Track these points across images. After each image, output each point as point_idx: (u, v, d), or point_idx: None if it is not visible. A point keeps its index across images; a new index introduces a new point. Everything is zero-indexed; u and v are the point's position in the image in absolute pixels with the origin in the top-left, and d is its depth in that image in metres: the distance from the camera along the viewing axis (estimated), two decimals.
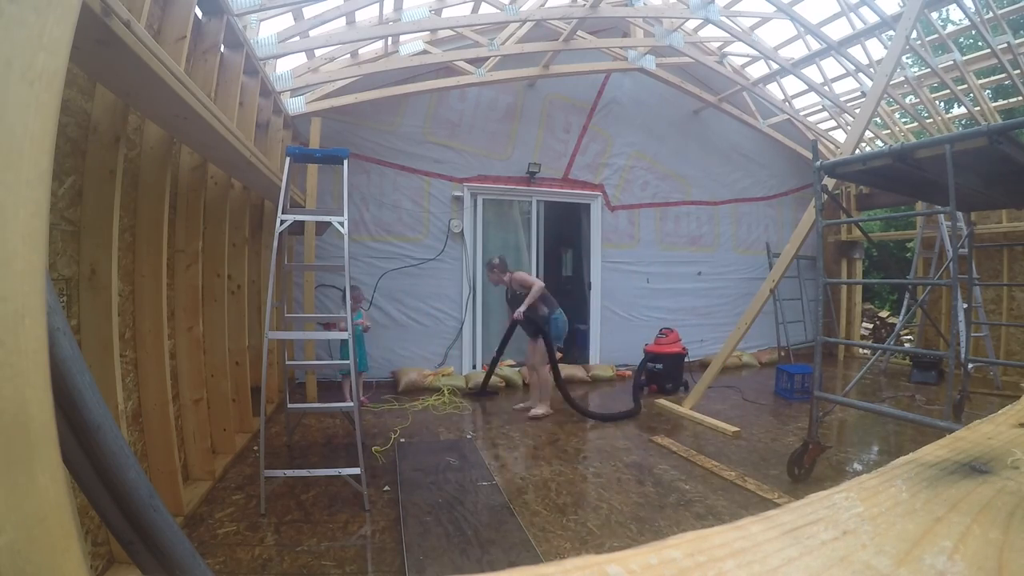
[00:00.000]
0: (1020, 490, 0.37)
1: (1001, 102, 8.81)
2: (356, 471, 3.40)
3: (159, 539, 1.27)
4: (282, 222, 3.57)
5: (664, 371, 6.88)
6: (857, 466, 4.45)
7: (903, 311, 8.89)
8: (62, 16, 0.87)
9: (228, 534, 3.05)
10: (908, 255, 11.13)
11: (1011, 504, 0.35)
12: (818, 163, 4.03)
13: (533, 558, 2.81)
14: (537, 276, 7.64)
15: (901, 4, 6.31)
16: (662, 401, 6.16)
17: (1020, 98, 7.82)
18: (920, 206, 7.49)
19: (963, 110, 8.18)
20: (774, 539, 0.30)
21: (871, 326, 12.14)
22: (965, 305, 6.71)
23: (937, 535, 0.31)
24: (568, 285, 9.91)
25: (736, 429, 5.09)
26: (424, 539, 2.95)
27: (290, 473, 3.62)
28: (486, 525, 3.13)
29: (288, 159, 3.78)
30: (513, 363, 7.48)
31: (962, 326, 6.54)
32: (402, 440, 4.74)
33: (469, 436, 5.01)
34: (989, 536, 0.31)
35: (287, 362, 4.91)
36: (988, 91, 8.48)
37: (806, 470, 3.97)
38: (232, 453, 4.08)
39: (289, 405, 3.76)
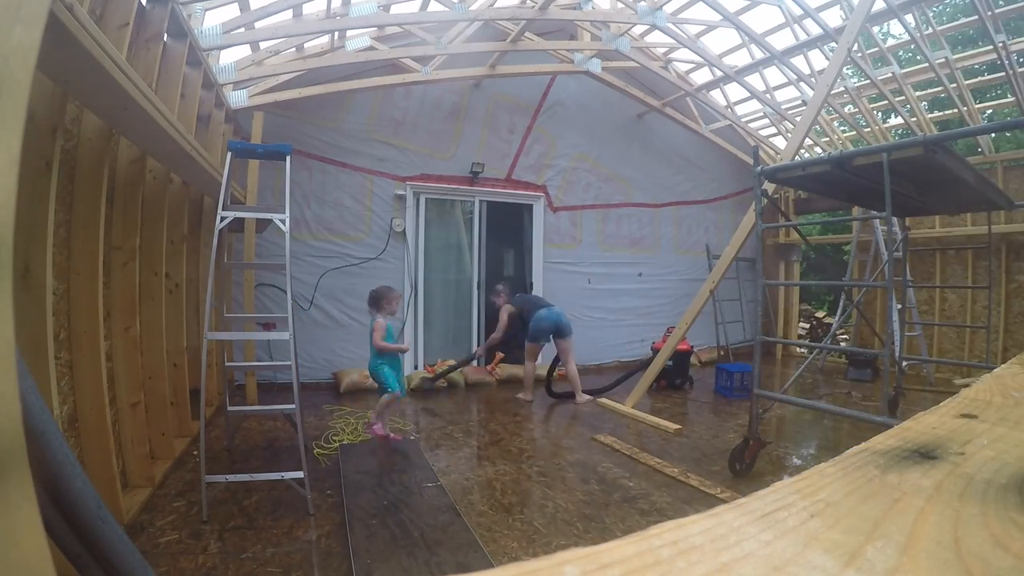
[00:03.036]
0: (966, 473, 0.42)
1: (937, 114, 9.14)
2: (299, 475, 3.33)
3: (109, 552, 1.23)
4: (222, 219, 3.45)
5: (674, 368, 6.98)
6: (796, 460, 4.65)
7: (839, 311, 9.15)
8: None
9: (170, 543, 2.94)
10: (844, 258, 11.50)
11: (960, 485, 0.40)
12: (759, 168, 4.14)
13: (481, 558, 2.83)
14: (478, 275, 7.82)
15: (844, 17, 6.59)
16: (604, 400, 6.28)
17: (955, 110, 8.03)
18: (856, 211, 7.73)
19: (900, 120, 8.47)
20: (748, 524, 0.34)
21: (808, 326, 12.62)
22: (899, 306, 6.98)
23: (897, 514, 0.35)
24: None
25: (678, 427, 5.24)
26: (371, 542, 2.93)
27: (232, 478, 3.51)
28: (433, 527, 3.13)
29: (229, 154, 3.66)
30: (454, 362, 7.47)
31: (896, 326, 6.82)
32: (344, 442, 4.67)
33: (413, 437, 4.98)
34: (944, 513, 0.36)
35: (227, 364, 4.75)
36: (925, 103, 8.76)
37: (747, 465, 4.11)
38: (172, 458, 3.93)
39: (229, 408, 3.67)
